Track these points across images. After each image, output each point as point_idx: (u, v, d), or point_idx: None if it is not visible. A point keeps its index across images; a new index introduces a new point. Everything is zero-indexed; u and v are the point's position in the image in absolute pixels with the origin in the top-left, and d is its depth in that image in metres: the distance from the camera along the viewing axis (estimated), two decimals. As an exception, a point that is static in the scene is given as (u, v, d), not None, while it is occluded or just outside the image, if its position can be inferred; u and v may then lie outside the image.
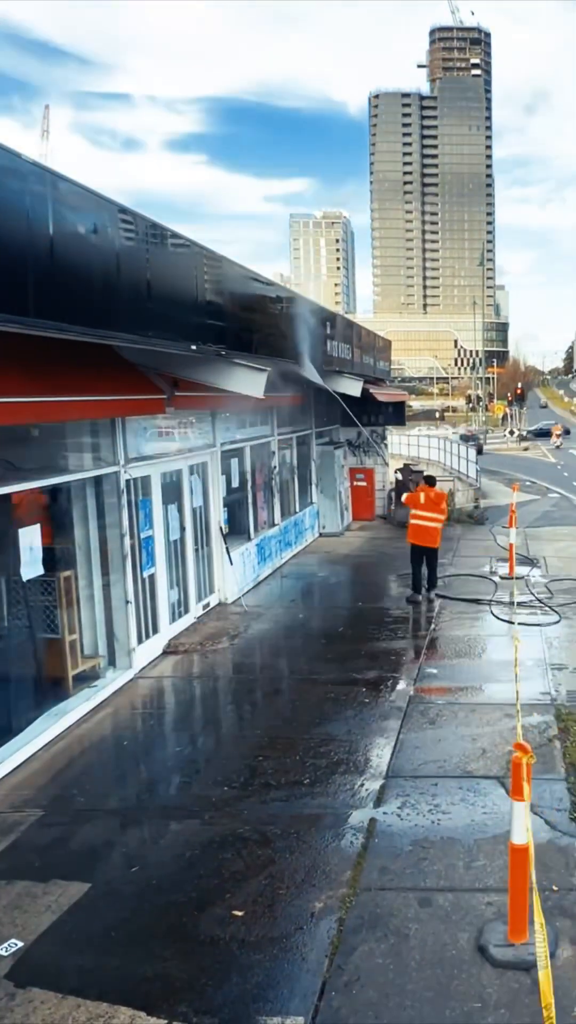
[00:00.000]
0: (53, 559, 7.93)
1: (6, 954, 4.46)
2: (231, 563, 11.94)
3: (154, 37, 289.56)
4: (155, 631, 9.78)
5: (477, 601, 11.89)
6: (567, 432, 67.47)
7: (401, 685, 8.53)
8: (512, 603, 11.53)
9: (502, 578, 13.32)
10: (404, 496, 13.71)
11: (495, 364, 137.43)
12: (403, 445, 37.13)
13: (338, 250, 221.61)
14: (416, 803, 6.02)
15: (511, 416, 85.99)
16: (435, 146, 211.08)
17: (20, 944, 4.53)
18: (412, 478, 19.54)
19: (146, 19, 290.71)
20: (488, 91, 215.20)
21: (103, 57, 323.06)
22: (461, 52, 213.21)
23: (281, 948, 4.46)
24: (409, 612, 11.56)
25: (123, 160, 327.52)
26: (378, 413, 20.33)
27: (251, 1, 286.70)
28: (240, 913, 4.77)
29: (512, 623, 10.47)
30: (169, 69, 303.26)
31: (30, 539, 7.26)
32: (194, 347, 7.96)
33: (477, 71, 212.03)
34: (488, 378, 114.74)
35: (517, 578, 13.17)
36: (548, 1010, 3.15)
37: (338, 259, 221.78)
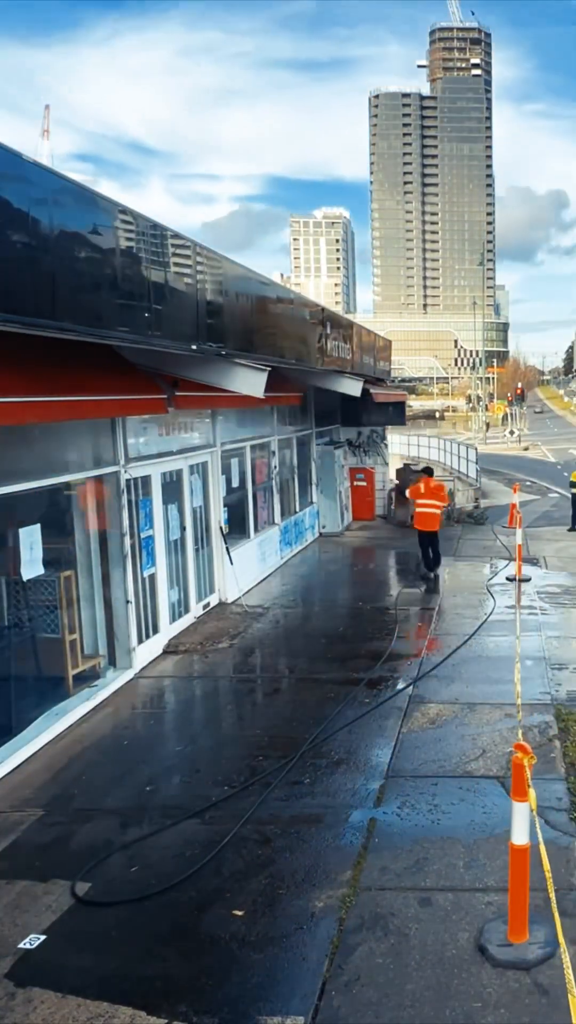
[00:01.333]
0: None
1: (32, 947, 4.48)
2: (231, 563, 11.94)
3: (218, 139, 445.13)
4: (155, 631, 9.78)
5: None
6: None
7: (401, 684, 8.53)
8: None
9: (508, 579, 13.32)
10: (407, 490, 14.79)
11: (495, 364, 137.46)
12: (403, 445, 37.14)
13: (338, 250, 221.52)
14: (416, 803, 6.02)
15: (511, 416, 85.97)
16: (435, 146, 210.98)
17: (43, 938, 4.58)
18: (412, 477, 19.58)
19: (213, 129, 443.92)
20: (488, 91, 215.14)
21: (186, 152, 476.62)
22: (461, 52, 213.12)
23: (281, 948, 4.47)
24: (409, 612, 11.56)
25: (201, 207, 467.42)
26: (378, 413, 20.35)
27: (284, 114, 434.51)
28: (240, 913, 4.77)
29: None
30: (229, 158, 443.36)
31: (30, 539, 7.26)
32: (194, 347, 7.97)
33: (477, 71, 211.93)
34: (488, 378, 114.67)
35: (525, 580, 13.16)
36: None
37: (338, 259, 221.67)
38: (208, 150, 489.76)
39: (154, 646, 9.69)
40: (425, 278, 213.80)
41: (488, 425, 74.78)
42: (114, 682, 8.64)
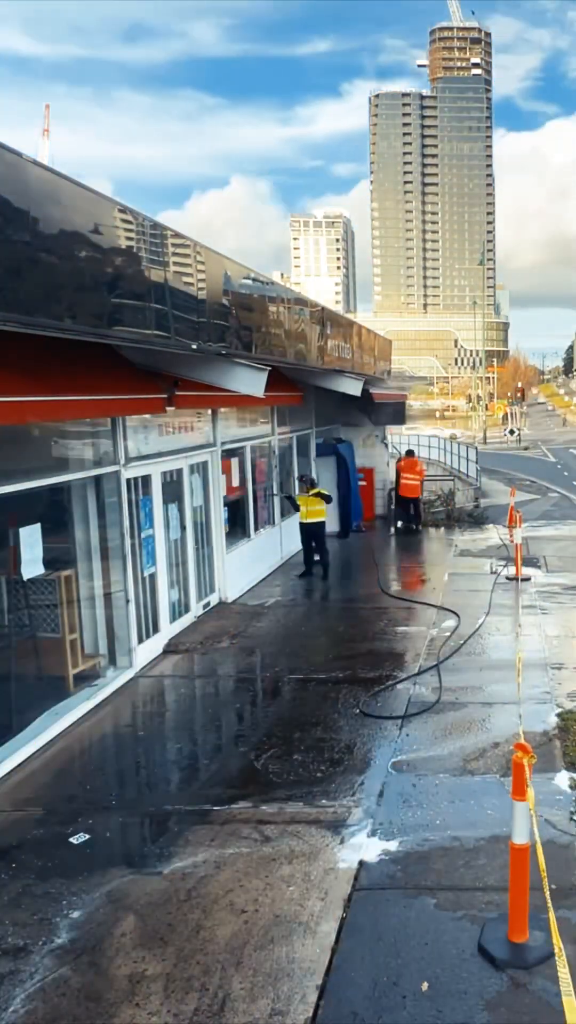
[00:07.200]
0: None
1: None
2: (231, 562, 11.94)
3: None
4: (156, 630, 9.78)
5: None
6: None
7: (401, 684, 8.53)
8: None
9: (508, 579, 13.32)
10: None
11: (495, 363, 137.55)
12: (403, 445, 37.10)
13: (338, 250, 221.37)
14: (416, 802, 6.02)
15: (511, 415, 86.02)
16: (435, 146, 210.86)
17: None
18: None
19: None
20: (488, 90, 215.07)
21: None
22: (461, 52, 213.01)
23: (282, 948, 4.46)
24: (410, 612, 11.56)
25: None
26: (378, 413, 20.33)
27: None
28: (246, 910, 4.77)
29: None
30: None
31: (30, 538, 7.26)
32: (194, 346, 7.97)
33: (477, 70, 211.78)
34: (488, 377, 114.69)
35: (524, 579, 13.16)
36: None
37: (338, 259, 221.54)
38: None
39: (154, 645, 9.69)
40: (425, 278, 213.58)
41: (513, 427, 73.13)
42: (114, 681, 8.64)
